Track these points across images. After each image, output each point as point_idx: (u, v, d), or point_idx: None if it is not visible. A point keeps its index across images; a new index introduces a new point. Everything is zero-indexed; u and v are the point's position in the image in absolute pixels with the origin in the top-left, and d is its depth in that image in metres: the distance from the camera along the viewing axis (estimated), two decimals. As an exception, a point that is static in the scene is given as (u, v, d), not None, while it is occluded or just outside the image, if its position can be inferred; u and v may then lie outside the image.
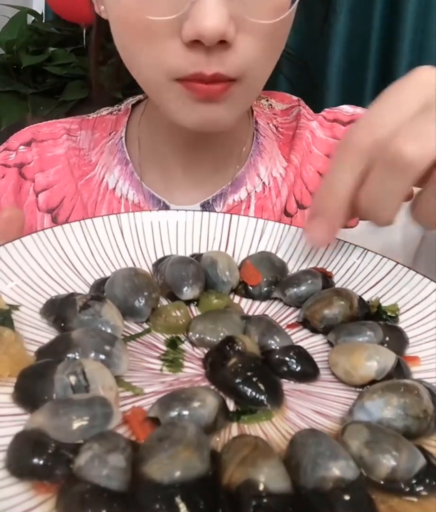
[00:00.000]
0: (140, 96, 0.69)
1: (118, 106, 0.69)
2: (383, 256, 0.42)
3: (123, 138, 0.65)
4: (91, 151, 0.66)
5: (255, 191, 0.61)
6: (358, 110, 0.68)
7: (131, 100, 0.69)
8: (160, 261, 0.41)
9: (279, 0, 0.45)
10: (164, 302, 0.39)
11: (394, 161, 0.33)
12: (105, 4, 0.52)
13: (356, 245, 0.43)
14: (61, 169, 0.65)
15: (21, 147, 0.67)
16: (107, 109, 0.70)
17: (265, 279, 0.40)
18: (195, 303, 0.39)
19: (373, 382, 0.31)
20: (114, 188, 0.63)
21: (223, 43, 0.44)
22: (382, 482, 0.25)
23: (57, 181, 0.65)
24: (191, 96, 0.47)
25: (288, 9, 0.45)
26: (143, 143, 0.64)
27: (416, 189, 0.36)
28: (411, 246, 0.63)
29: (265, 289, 0.40)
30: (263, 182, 0.61)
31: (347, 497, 0.23)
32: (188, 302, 0.38)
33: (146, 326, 0.36)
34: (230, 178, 0.61)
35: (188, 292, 0.38)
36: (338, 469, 0.24)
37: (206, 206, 0.61)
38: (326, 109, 0.68)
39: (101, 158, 0.65)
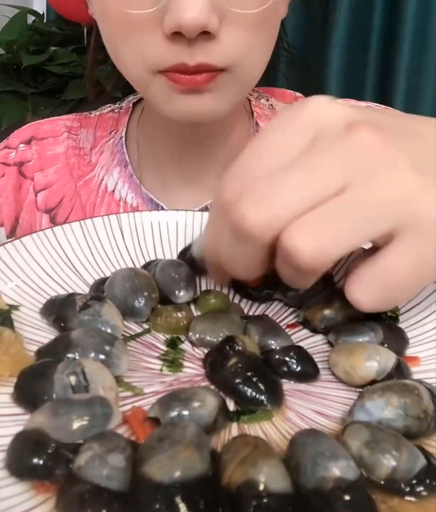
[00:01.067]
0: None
1: (119, 104, 0.69)
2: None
3: (123, 138, 0.65)
4: (91, 151, 0.66)
5: None
6: (362, 104, 0.68)
7: (132, 98, 0.69)
8: (146, 266, 0.40)
9: None
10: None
11: (235, 229, 0.28)
12: (90, 1, 0.52)
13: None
14: (60, 169, 0.65)
15: (21, 145, 0.67)
16: (109, 106, 0.70)
17: (264, 282, 0.40)
18: (193, 302, 0.39)
19: (373, 382, 0.31)
20: (113, 191, 0.63)
21: (206, 34, 0.44)
22: (382, 482, 0.25)
23: (56, 180, 0.65)
24: (175, 87, 0.47)
25: None
26: (141, 145, 0.64)
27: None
28: None
29: (266, 291, 0.40)
30: None
31: (347, 497, 0.23)
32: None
33: (146, 326, 0.36)
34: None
35: (183, 296, 0.37)
36: (338, 469, 0.24)
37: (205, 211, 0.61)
38: None
39: (101, 159, 0.65)
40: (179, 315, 0.36)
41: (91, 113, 0.70)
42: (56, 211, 0.63)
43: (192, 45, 0.44)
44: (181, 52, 0.45)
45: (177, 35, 0.44)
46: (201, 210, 0.60)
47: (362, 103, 0.68)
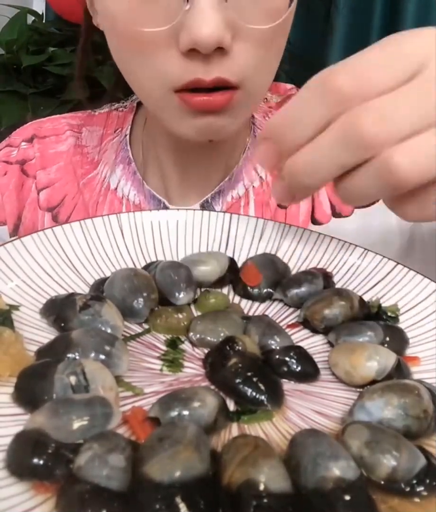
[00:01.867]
0: None
1: (123, 102, 0.69)
2: (384, 256, 0.42)
3: (127, 136, 0.65)
4: (94, 149, 0.66)
5: (253, 186, 0.61)
6: None
7: (136, 98, 0.69)
8: (147, 267, 0.41)
9: (274, 5, 0.44)
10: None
11: (351, 133, 0.29)
12: (99, 16, 0.51)
13: (356, 245, 0.43)
14: (62, 167, 0.65)
15: (23, 143, 0.67)
16: (114, 104, 0.69)
17: (264, 281, 0.40)
18: (192, 302, 0.39)
19: (373, 382, 0.31)
20: (116, 188, 0.63)
21: (220, 50, 0.44)
22: (382, 482, 0.25)
23: (59, 179, 0.65)
24: (189, 111, 0.47)
25: (284, 14, 0.45)
26: (146, 146, 0.64)
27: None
28: (408, 234, 0.62)
29: (265, 290, 0.40)
30: (260, 176, 0.61)
31: (347, 497, 0.23)
32: None
33: (146, 326, 0.36)
34: (228, 174, 0.61)
35: (182, 297, 0.37)
36: (339, 469, 0.24)
37: (206, 206, 0.61)
38: None
39: (104, 157, 0.65)
40: (180, 316, 0.36)
41: (95, 111, 0.70)
42: (58, 209, 0.63)
43: (208, 61, 0.44)
44: (196, 68, 0.44)
45: (193, 52, 0.43)
46: (202, 205, 0.60)
47: None
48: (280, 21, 0.45)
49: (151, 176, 0.63)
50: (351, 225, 0.59)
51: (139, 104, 0.68)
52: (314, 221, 0.59)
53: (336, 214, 0.59)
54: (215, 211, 0.45)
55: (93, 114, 0.69)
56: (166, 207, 0.61)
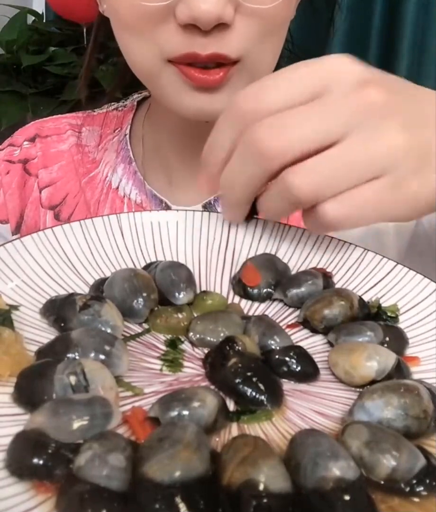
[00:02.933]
0: (146, 93, 0.69)
1: (123, 102, 0.69)
2: (383, 256, 0.42)
3: (127, 136, 0.65)
4: (95, 148, 0.66)
5: None
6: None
7: (137, 97, 0.69)
8: (146, 267, 0.40)
9: None
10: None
11: (250, 147, 0.32)
12: None
13: (356, 245, 0.43)
14: (64, 166, 0.65)
15: (25, 142, 0.67)
16: (113, 104, 0.70)
17: (264, 281, 0.40)
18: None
19: (373, 382, 0.31)
20: (117, 187, 0.63)
21: (221, 25, 0.44)
22: (382, 482, 0.25)
23: (61, 177, 0.65)
24: (186, 82, 0.47)
25: None
26: (147, 142, 0.64)
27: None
28: (404, 235, 0.62)
29: (264, 290, 0.40)
30: None
31: (347, 497, 0.23)
32: None
33: (146, 326, 0.36)
34: None
35: (182, 297, 0.37)
36: (338, 469, 0.24)
37: (208, 207, 0.60)
38: None
39: (105, 156, 0.65)
40: (180, 316, 0.36)
41: (95, 111, 0.70)
42: (60, 207, 0.64)
43: (207, 35, 0.44)
44: (194, 42, 0.45)
45: (191, 26, 0.43)
46: (204, 206, 0.60)
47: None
48: (279, 2, 0.45)
49: (153, 175, 0.63)
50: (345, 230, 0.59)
51: (139, 103, 0.68)
52: None
53: None
54: (216, 212, 0.45)
55: (92, 114, 0.69)
56: (168, 207, 0.61)
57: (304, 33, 0.61)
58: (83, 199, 0.63)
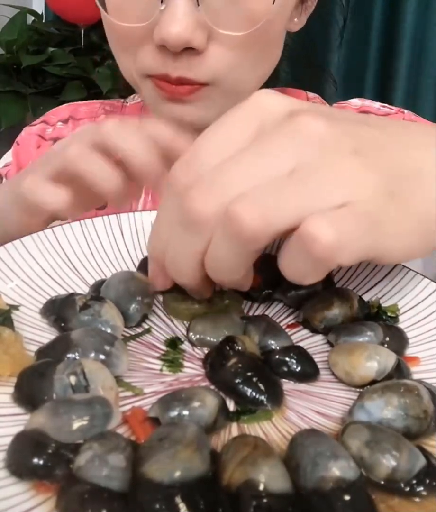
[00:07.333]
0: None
1: None
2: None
3: None
4: None
5: None
6: (367, 102, 0.69)
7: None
8: (142, 265, 0.40)
9: (251, 12, 0.46)
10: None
11: (186, 216, 0.28)
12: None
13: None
14: None
15: (59, 123, 0.71)
16: (137, 96, 0.73)
17: (264, 281, 0.40)
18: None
19: (373, 382, 0.31)
20: None
21: (191, 50, 0.47)
22: (382, 482, 0.25)
23: None
24: (160, 94, 0.51)
25: (262, 20, 0.46)
26: None
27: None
28: None
29: (264, 291, 0.40)
30: None
31: (347, 497, 0.23)
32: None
33: (145, 326, 0.36)
34: None
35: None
36: (338, 469, 0.24)
37: None
38: (334, 104, 0.69)
39: None
40: (196, 306, 0.37)
41: (126, 102, 0.74)
42: None
43: (177, 58, 0.47)
44: (166, 63, 0.48)
45: (164, 48, 0.47)
46: None
47: (376, 104, 0.70)
48: (254, 29, 0.46)
49: None
50: None
51: None
52: None
53: None
54: None
55: (122, 103, 0.73)
56: None
57: (303, 36, 0.61)
58: None
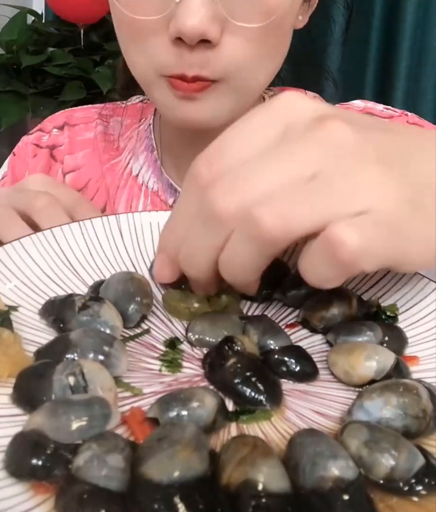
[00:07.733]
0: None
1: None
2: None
3: (151, 125, 0.69)
4: (120, 137, 0.69)
5: None
6: (370, 104, 0.69)
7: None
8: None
9: (266, 4, 0.46)
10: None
11: (206, 211, 0.28)
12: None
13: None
14: (89, 153, 0.69)
15: (55, 130, 0.71)
16: (138, 97, 0.74)
17: (263, 281, 0.40)
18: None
19: (372, 382, 0.31)
20: (137, 175, 0.66)
21: (206, 43, 0.46)
22: (381, 482, 0.25)
23: (85, 164, 0.69)
24: (174, 93, 0.50)
25: (276, 13, 0.46)
26: (162, 134, 0.66)
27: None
28: None
29: (264, 291, 0.40)
30: None
31: (346, 497, 0.23)
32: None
33: (144, 326, 0.36)
34: None
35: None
36: (337, 469, 0.24)
37: None
38: (337, 105, 0.69)
39: (129, 144, 0.69)
40: (196, 305, 0.37)
41: (123, 103, 0.74)
42: (81, 192, 0.67)
43: (193, 51, 0.47)
44: (182, 57, 0.47)
45: (180, 41, 0.46)
46: None
47: (380, 106, 0.69)
48: (270, 21, 0.46)
49: (168, 165, 0.65)
50: None
51: None
52: None
53: None
54: None
55: (120, 105, 0.73)
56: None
57: (303, 35, 0.61)
58: (104, 185, 0.66)
